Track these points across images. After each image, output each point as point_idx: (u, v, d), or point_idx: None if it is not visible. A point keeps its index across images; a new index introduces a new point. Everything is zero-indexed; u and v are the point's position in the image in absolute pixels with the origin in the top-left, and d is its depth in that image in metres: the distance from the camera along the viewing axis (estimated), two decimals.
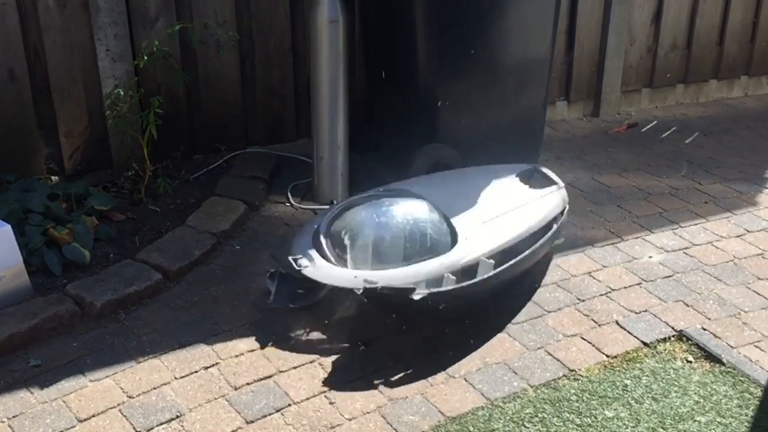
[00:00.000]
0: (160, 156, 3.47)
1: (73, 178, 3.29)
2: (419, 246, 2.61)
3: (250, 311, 2.67)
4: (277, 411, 2.25)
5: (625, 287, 2.90)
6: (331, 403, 2.28)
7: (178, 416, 2.22)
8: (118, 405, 2.25)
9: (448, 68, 3.32)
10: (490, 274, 2.51)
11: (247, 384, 2.34)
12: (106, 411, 2.23)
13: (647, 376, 2.44)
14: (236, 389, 2.32)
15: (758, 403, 2.33)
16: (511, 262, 2.58)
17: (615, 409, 2.30)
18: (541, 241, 2.71)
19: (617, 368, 2.47)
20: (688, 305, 2.80)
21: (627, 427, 2.23)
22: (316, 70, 3.28)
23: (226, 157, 3.66)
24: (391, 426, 2.21)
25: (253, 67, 3.67)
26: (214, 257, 2.96)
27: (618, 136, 4.34)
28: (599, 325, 2.67)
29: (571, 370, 2.45)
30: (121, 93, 3.24)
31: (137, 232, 3.09)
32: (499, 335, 2.60)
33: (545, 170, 3.13)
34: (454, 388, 2.36)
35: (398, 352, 2.51)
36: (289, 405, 2.27)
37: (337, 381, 2.37)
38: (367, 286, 2.37)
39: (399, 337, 2.58)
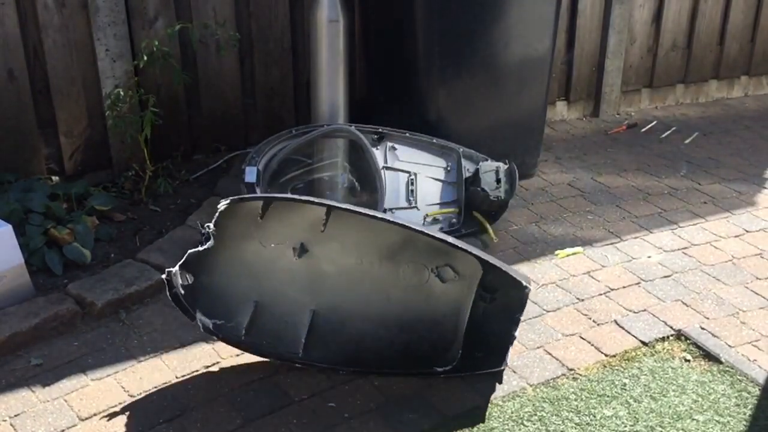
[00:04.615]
0: (161, 156, 3.47)
1: (74, 178, 3.30)
2: None
3: None
4: (277, 410, 2.26)
5: (624, 287, 2.90)
6: (330, 403, 2.29)
7: (179, 415, 2.22)
8: (120, 404, 2.26)
9: (449, 68, 3.33)
10: None
11: (248, 383, 2.35)
12: (108, 410, 2.24)
13: (646, 375, 2.45)
14: (237, 388, 2.33)
15: (756, 401, 2.34)
16: None
17: (614, 408, 2.31)
18: None
19: (616, 367, 2.48)
20: (686, 305, 2.80)
21: (626, 426, 2.24)
22: (316, 70, 3.29)
23: (226, 157, 3.67)
24: (390, 425, 2.22)
25: (252, 66, 3.67)
26: None
27: (618, 137, 4.35)
28: (598, 325, 2.68)
29: (570, 369, 2.46)
30: (121, 93, 3.24)
31: (138, 232, 3.09)
32: None
33: None
34: (453, 387, 2.36)
35: None
36: (290, 404, 2.28)
37: (337, 380, 2.38)
38: None
39: None
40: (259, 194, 2.55)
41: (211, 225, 2.28)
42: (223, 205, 2.29)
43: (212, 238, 2.27)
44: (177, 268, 2.18)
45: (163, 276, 2.17)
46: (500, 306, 2.42)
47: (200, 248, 2.24)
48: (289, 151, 3.15)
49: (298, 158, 3.22)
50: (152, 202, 3.30)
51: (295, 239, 2.44)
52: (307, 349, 2.39)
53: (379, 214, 2.41)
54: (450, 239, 2.36)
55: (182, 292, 2.20)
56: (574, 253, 3.10)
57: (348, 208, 2.34)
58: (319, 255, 2.46)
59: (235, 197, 2.33)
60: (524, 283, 2.35)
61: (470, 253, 2.33)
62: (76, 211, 3.05)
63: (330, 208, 2.34)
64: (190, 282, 2.24)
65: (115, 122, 3.26)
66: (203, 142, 3.67)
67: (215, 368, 2.40)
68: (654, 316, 2.73)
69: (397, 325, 2.46)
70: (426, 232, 2.39)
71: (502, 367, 2.38)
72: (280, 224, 2.41)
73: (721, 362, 2.50)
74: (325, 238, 2.43)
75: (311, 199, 2.37)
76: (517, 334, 2.37)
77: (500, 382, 2.36)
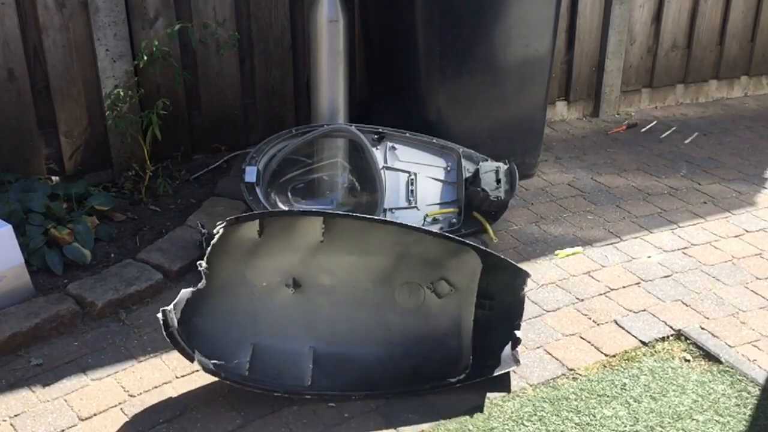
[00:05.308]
0: (161, 156, 3.47)
1: (74, 178, 3.30)
2: None
3: None
4: (277, 410, 2.26)
5: (624, 287, 2.90)
6: (330, 403, 2.29)
7: (179, 414, 2.23)
8: (120, 404, 2.26)
9: (449, 68, 3.33)
10: None
11: None
12: (108, 410, 2.24)
13: (646, 375, 2.45)
14: (237, 388, 2.32)
15: (756, 401, 2.34)
16: None
17: (614, 408, 2.31)
18: None
19: (616, 367, 2.48)
20: (686, 305, 2.81)
21: (625, 426, 2.24)
22: (316, 70, 3.29)
23: (226, 157, 3.67)
24: (390, 425, 2.22)
25: (252, 66, 3.67)
26: None
27: (617, 137, 4.35)
28: (598, 325, 2.68)
29: (570, 369, 2.46)
30: (121, 93, 3.25)
31: (138, 232, 3.09)
32: None
33: None
34: (453, 387, 2.36)
35: None
36: (290, 404, 2.28)
37: None
38: None
39: None
40: (254, 212, 2.50)
41: (204, 263, 2.27)
42: (219, 227, 2.30)
43: (204, 277, 2.26)
44: (172, 306, 2.16)
45: (159, 315, 2.14)
46: (501, 311, 2.43)
47: (193, 289, 2.23)
48: (289, 150, 3.15)
49: (298, 158, 3.22)
50: (152, 202, 3.30)
51: (286, 272, 2.44)
52: (313, 381, 2.34)
53: (377, 218, 2.41)
54: (445, 234, 2.38)
55: (179, 331, 2.16)
56: (574, 253, 3.11)
57: (346, 214, 2.34)
58: (311, 288, 2.46)
59: (231, 218, 2.34)
60: (522, 269, 2.38)
61: (467, 244, 2.35)
62: (76, 211, 3.05)
63: (327, 216, 2.34)
64: (178, 318, 2.18)
65: (115, 122, 3.26)
66: (203, 141, 3.67)
67: None
68: (654, 316, 2.73)
69: (401, 351, 2.45)
70: (424, 229, 2.41)
71: (512, 368, 2.37)
72: (271, 258, 2.41)
73: (721, 362, 2.50)
74: (316, 269, 2.43)
75: (308, 209, 2.37)
76: (520, 334, 2.38)
77: (508, 391, 2.35)
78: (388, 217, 3.07)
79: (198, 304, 2.28)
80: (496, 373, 2.35)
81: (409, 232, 2.42)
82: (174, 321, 2.14)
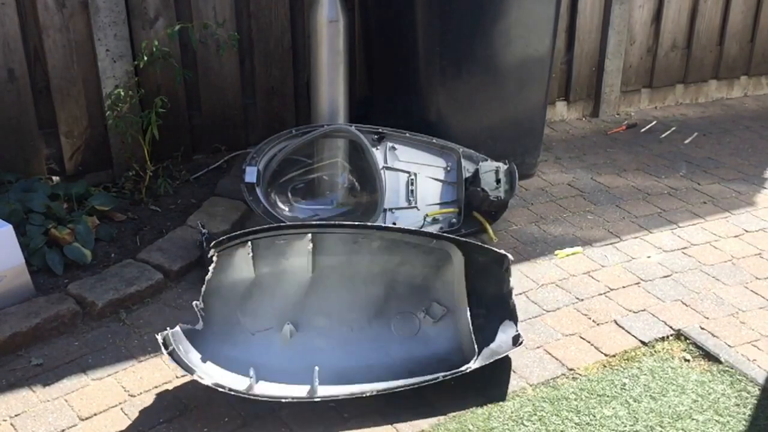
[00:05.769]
0: (161, 156, 3.47)
1: (74, 179, 3.30)
2: None
3: None
4: (277, 410, 2.26)
5: (624, 287, 2.91)
6: (330, 403, 2.29)
7: (179, 414, 2.23)
8: (120, 403, 2.26)
9: (449, 68, 3.33)
10: None
11: None
12: (108, 410, 2.24)
13: (645, 375, 2.45)
14: None
15: (755, 401, 2.34)
16: None
17: (613, 408, 2.31)
18: None
19: (616, 367, 2.48)
20: (686, 305, 2.81)
21: (625, 426, 2.24)
22: (316, 70, 3.29)
23: (227, 157, 3.67)
24: (390, 425, 2.22)
25: (252, 66, 3.67)
26: None
27: (617, 137, 4.35)
28: (598, 325, 2.69)
29: (570, 369, 2.46)
30: (122, 93, 3.25)
31: (138, 232, 3.10)
32: None
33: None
34: (453, 387, 2.36)
35: None
36: (290, 405, 2.28)
37: None
38: None
39: None
40: (240, 232, 2.47)
41: (200, 302, 2.30)
42: (212, 254, 2.31)
43: (201, 319, 2.29)
44: (169, 331, 2.19)
45: (158, 337, 2.19)
46: (497, 316, 2.45)
47: (191, 327, 2.26)
48: (289, 151, 3.15)
49: (298, 158, 3.23)
50: (152, 202, 3.30)
51: (281, 317, 2.44)
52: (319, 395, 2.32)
53: (359, 223, 2.46)
54: (421, 231, 2.42)
55: (180, 349, 2.19)
56: (573, 253, 3.11)
57: (332, 223, 2.37)
58: (308, 331, 2.46)
59: (223, 239, 2.35)
60: (503, 253, 2.43)
61: (444, 237, 2.41)
62: (77, 211, 3.05)
63: (315, 230, 2.39)
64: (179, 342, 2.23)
65: (116, 122, 3.26)
66: (203, 142, 3.67)
67: None
68: (654, 316, 2.74)
69: (406, 373, 2.41)
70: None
71: (512, 350, 2.38)
72: (263, 304, 2.43)
73: (720, 362, 2.50)
74: (310, 311, 2.46)
75: (294, 223, 2.39)
76: (520, 331, 2.39)
77: (503, 400, 2.34)
78: (388, 216, 3.08)
79: (196, 342, 2.29)
80: (498, 357, 2.35)
81: (391, 250, 2.47)
82: (172, 340, 2.18)
